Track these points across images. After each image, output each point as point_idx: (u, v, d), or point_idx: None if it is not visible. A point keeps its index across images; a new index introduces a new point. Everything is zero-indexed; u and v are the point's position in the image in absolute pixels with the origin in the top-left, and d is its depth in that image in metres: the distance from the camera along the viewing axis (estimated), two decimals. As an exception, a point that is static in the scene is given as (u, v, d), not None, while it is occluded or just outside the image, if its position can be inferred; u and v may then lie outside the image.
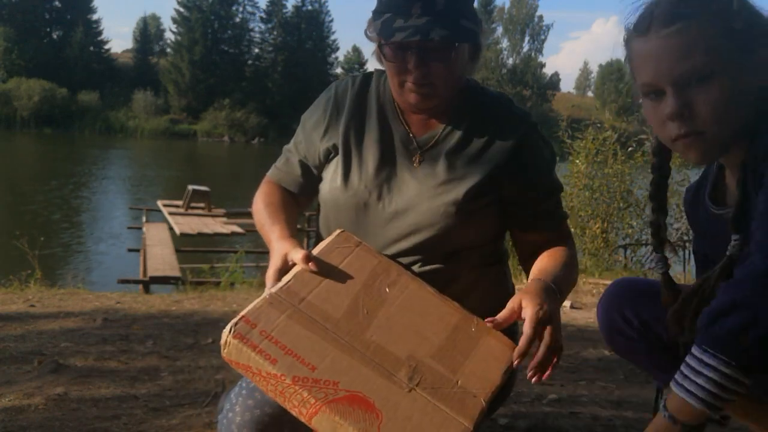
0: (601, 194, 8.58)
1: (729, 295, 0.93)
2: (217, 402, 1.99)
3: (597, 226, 8.49)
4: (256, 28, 61.99)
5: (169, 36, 61.84)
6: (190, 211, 15.11)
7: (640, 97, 1.12)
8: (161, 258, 10.87)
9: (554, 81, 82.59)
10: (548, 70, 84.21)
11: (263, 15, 62.20)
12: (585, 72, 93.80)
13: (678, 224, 7.70)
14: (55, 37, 57.73)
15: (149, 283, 9.53)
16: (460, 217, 1.28)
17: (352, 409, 0.98)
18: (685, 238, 7.47)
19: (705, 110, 1.03)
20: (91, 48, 58.68)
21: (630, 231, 8.73)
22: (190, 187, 15.39)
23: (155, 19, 73.35)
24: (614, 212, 8.64)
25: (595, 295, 4.65)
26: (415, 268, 1.31)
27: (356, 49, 68.95)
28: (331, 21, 64.70)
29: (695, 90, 1.02)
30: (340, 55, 68.43)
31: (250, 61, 61.41)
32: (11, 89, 49.10)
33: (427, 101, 1.29)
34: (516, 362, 1.11)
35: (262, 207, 1.40)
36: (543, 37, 68.60)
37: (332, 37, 65.11)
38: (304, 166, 1.43)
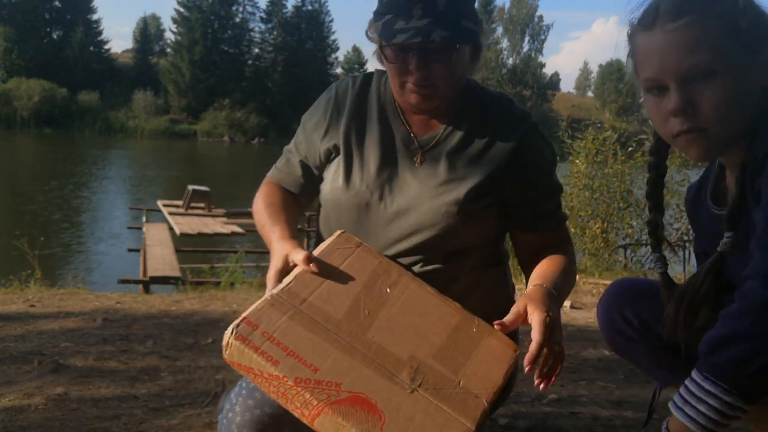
0: (601, 194, 8.58)
1: (730, 325, 0.92)
2: (217, 402, 1.99)
3: (597, 226, 8.49)
4: (256, 28, 62.12)
5: (169, 36, 61.96)
6: (190, 211, 15.11)
7: (642, 93, 1.11)
8: (161, 258, 10.87)
9: (554, 81, 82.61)
10: (548, 70, 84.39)
11: (263, 15, 62.28)
12: (585, 72, 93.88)
13: (678, 224, 7.70)
14: (55, 37, 57.74)
15: (149, 283, 9.53)
16: (462, 217, 1.28)
17: (354, 411, 0.98)
18: (685, 238, 7.48)
19: (709, 107, 1.02)
20: (91, 48, 58.69)
21: (630, 231, 8.74)
22: (190, 187, 15.39)
23: (155, 19, 73.38)
24: (614, 212, 8.64)
25: (595, 295, 4.65)
26: (416, 268, 1.31)
27: (356, 49, 69.03)
28: (331, 21, 64.82)
29: (700, 86, 1.02)
30: (340, 55, 68.57)
31: (250, 61, 61.42)
32: (11, 89, 49.10)
33: (428, 102, 1.29)
34: (527, 368, 1.10)
35: (262, 207, 1.39)
36: (543, 37, 68.64)
37: (332, 37, 65.22)
38: (304, 166, 1.43)
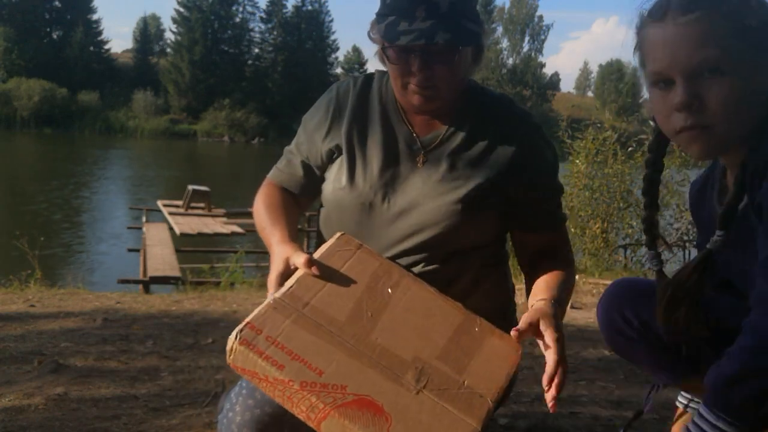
0: (601, 194, 8.59)
1: (743, 361, 0.92)
2: (217, 402, 1.99)
3: (597, 226, 8.50)
4: (256, 28, 62.11)
5: (169, 36, 61.97)
6: (190, 211, 15.10)
7: (648, 87, 1.10)
8: (161, 258, 10.86)
9: (554, 81, 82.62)
10: (548, 70, 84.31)
11: (263, 15, 62.28)
12: (585, 72, 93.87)
13: (678, 224, 7.71)
14: (55, 37, 57.74)
15: (149, 283, 9.53)
16: (465, 216, 1.29)
17: (361, 413, 0.98)
18: (685, 238, 7.48)
19: (715, 104, 1.00)
20: (91, 48, 58.69)
21: (630, 231, 8.74)
22: (190, 187, 15.39)
23: (155, 19, 73.39)
24: (614, 212, 8.65)
25: (595, 295, 4.66)
26: (418, 267, 1.31)
27: (356, 49, 69.02)
28: (331, 21, 64.82)
29: (707, 82, 1.00)
30: (340, 55, 68.56)
31: (250, 61, 61.42)
32: (11, 89, 49.10)
33: (431, 103, 1.30)
34: (548, 388, 1.09)
35: (262, 209, 1.39)
36: (543, 37, 68.69)
37: (332, 37, 65.23)
38: (306, 167, 1.43)
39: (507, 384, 1.11)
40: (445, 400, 1.03)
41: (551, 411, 1.11)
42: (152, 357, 2.70)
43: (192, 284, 6.98)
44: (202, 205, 15.37)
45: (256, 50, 62.01)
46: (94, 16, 60.70)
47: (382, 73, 1.41)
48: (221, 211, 15.42)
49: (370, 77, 1.43)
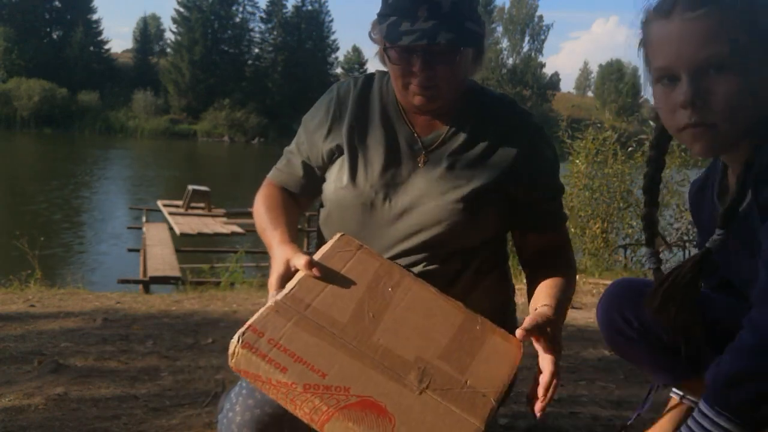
0: (601, 194, 8.60)
1: (745, 360, 0.92)
2: (217, 402, 1.99)
3: (597, 226, 8.51)
4: (256, 28, 62.14)
5: (169, 36, 61.98)
6: (190, 211, 15.10)
7: (651, 83, 1.09)
8: (161, 258, 10.86)
9: (554, 81, 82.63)
10: (548, 70, 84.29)
11: (263, 15, 62.31)
12: (585, 72, 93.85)
13: (678, 224, 7.71)
14: (55, 37, 57.76)
15: (149, 283, 9.53)
16: (466, 215, 1.29)
17: (364, 415, 0.98)
18: (685, 238, 7.48)
19: (720, 102, 0.99)
20: (91, 48, 58.70)
21: (630, 231, 8.74)
22: (190, 187, 15.39)
23: (155, 19, 73.39)
24: (614, 212, 8.65)
25: (595, 295, 4.66)
26: (419, 267, 1.31)
27: (356, 49, 69.04)
28: (331, 21, 64.84)
29: (712, 79, 0.99)
30: (340, 55, 68.57)
31: (250, 61, 61.44)
32: (11, 89, 49.11)
33: (432, 103, 1.30)
34: (542, 397, 1.10)
35: (263, 210, 1.39)
36: (543, 37, 68.70)
37: (332, 37, 65.25)
38: (306, 167, 1.43)
39: (510, 382, 1.11)
40: (448, 400, 1.03)
41: (537, 418, 1.12)
42: (152, 357, 2.71)
43: (192, 284, 6.98)
44: (202, 205, 15.37)
45: (256, 50, 62.07)
46: (94, 16, 60.81)
47: (383, 74, 1.41)
48: (221, 211, 15.42)
49: (370, 77, 1.43)
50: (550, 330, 1.15)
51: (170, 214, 14.62)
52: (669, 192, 8.05)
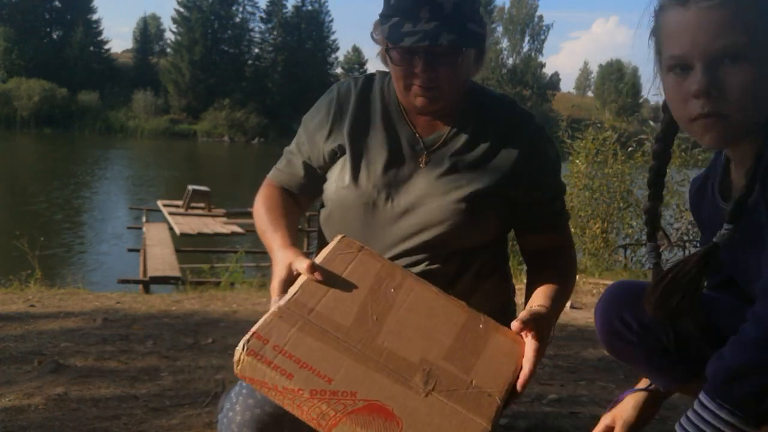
0: (601, 194, 8.59)
1: (749, 353, 0.91)
2: (217, 402, 1.99)
3: (597, 226, 8.50)
4: (256, 28, 62.09)
5: (169, 36, 61.95)
6: (190, 211, 15.10)
7: (663, 73, 1.07)
8: (161, 258, 10.86)
9: (554, 81, 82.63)
10: (548, 70, 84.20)
11: (263, 15, 62.27)
12: (585, 72, 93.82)
13: (678, 224, 7.71)
14: (55, 37, 57.74)
15: (149, 283, 9.53)
16: (468, 215, 1.29)
17: (372, 419, 0.98)
18: (685, 238, 7.48)
19: (734, 92, 0.98)
20: (91, 48, 58.68)
21: (630, 231, 8.74)
22: (190, 187, 15.39)
23: (155, 19, 73.38)
24: (614, 212, 8.65)
25: (595, 295, 4.66)
26: (420, 267, 1.32)
27: (356, 49, 69.02)
28: (331, 21, 64.80)
29: (727, 69, 0.98)
30: (340, 55, 68.53)
31: (250, 61, 61.42)
32: (11, 89, 49.08)
33: (434, 104, 1.30)
34: (521, 389, 1.11)
35: (263, 212, 1.39)
36: (543, 37, 68.64)
37: (332, 37, 65.20)
38: (307, 167, 1.43)
39: (514, 381, 1.11)
40: (455, 401, 1.03)
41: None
42: (152, 357, 2.71)
43: (192, 284, 6.98)
44: (202, 205, 15.37)
45: (256, 50, 62.04)
46: (94, 16, 60.75)
47: (384, 74, 1.41)
48: (221, 211, 15.42)
49: (370, 77, 1.43)
50: (541, 327, 1.17)
51: (170, 214, 14.61)
52: (669, 192, 8.04)
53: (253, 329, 1.04)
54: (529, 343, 1.14)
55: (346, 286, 1.15)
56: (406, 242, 1.32)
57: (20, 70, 51.75)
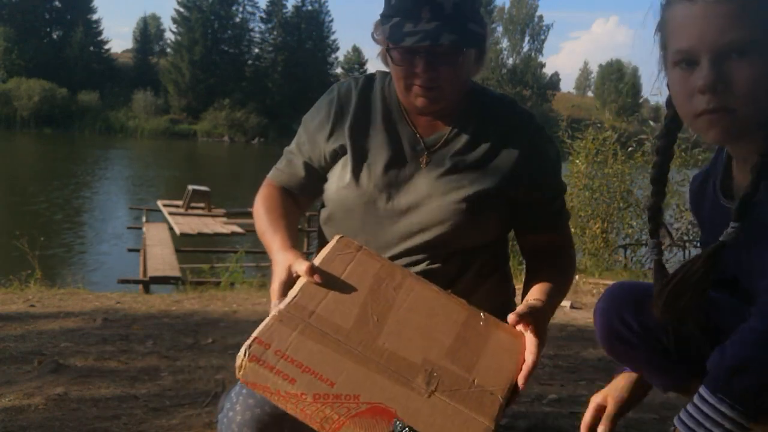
0: (601, 194, 8.59)
1: (751, 348, 0.91)
2: (217, 402, 1.99)
3: (597, 226, 8.50)
4: (256, 28, 62.14)
5: (169, 36, 61.98)
6: (190, 211, 15.10)
7: (668, 68, 1.07)
8: (161, 258, 10.86)
9: (554, 81, 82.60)
10: (548, 70, 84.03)
11: (263, 15, 62.31)
12: (585, 72, 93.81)
13: (678, 224, 7.70)
14: (55, 37, 57.76)
15: (149, 283, 9.52)
16: (468, 215, 1.29)
17: (375, 422, 0.98)
18: (685, 238, 7.48)
19: (741, 87, 0.97)
20: (91, 48, 58.70)
21: (630, 231, 8.74)
22: (190, 187, 15.39)
23: (155, 19, 73.39)
24: (614, 212, 8.65)
25: (595, 295, 4.66)
26: (420, 267, 1.32)
27: (356, 49, 69.04)
28: (331, 21, 64.84)
29: (734, 64, 0.97)
30: (340, 55, 68.53)
31: (250, 61, 61.44)
32: (11, 89, 49.10)
33: (434, 104, 1.30)
34: (522, 385, 1.11)
35: (262, 212, 1.39)
36: (543, 37, 68.67)
37: (332, 37, 65.24)
38: (308, 167, 1.43)
39: (516, 378, 1.11)
40: (457, 401, 1.03)
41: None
42: (152, 357, 2.71)
43: (192, 284, 6.97)
44: (202, 205, 15.37)
45: (256, 50, 62.07)
46: (94, 16, 60.81)
47: (384, 74, 1.41)
48: (221, 211, 15.42)
49: (371, 78, 1.43)
50: (538, 320, 1.18)
51: (170, 214, 14.61)
52: (669, 192, 7.99)
53: (255, 334, 1.03)
54: (529, 337, 1.15)
55: (346, 287, 1.15)
56: (407, 242, 1.32)
57: (20, 70, 51.76)
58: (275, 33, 62.02)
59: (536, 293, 1.29)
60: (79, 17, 57.50)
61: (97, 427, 1.94)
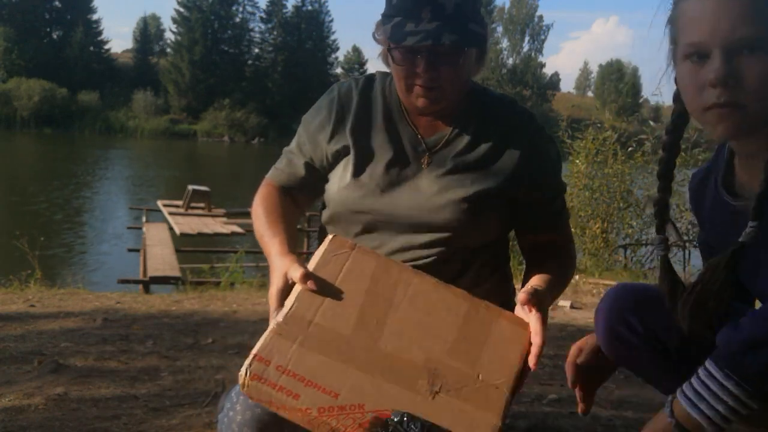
0: (601, 194, 8.59)
1: (764, 327, 0.90)
2: (217, 402, 2.00)
3: (597, 226, 8.51)
4: (256, 28, 62.15)
5: (169, 36, 61.98)
6: (190, 211, 15.10)
7: (677, 62, 1.06)
8: (161, 258, 10.86)
9: (554, 81, 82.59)
10: (548, 70, 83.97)
11: (263, 15, 62.32)
12: (585, 72, 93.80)
13: (678, 224, 7.70)
14: (55, 37, 57.76)
15: (149, 283, 9.53)
16: (469, 215, 1.29)
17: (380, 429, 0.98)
18: (686, 238, 7.47)
19: (752, 82, 0.96)
20: (91, 48, 58.71)
21: (630, 231, 8.74)
22: (190, 187, 15.39)
23: (155, 19, 73.38)
24: (614, 212, 8.65)
25: (595, 295, 4.66)
26: (421, 267, 1.31)
27: (356, 49, 69.06)
28: (331, 21, 64.84)
29: (745, 59, 0.96)
30: (340, 55, 68.52)
31: (250, 61, 61.44)
32: (11, 89, 49.10)
33: (435, 104, 1.30)
34: (533, 365, 1.10)
35: (261, 213, 1.38)
36: (543, 37, 68.70)
37: (332, 37, 65.26)
38: (309, 167, 1.43)
39: (521, 367, 1.10)
40: (463, 399, 1.02)
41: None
42: (152, 357, 2.71)
43: (192, 284, 6.97)
44: (202, 205, 15.37)
45: (256, 50, 62.07)
46: (94, 16, 60.81)
47: (384, 74, 1.41)
48: (221, 211, 15.42)
49: (371, 78, 1.43)
50: (541, 302, 1.18)
51: (170, 214, 14.62)
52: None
53: (254, 351, 1.02)
54: (534, 317, 1.14)
55: (343, 290, 1.13)
56: (408, 242, 1.32)
57: (20, 70, 51.76)
58: (275, 33, 62.03)
59: (536, 281, 1.29)
60: (79, 17, 57.50)
61: (97, 427, 1.94)
